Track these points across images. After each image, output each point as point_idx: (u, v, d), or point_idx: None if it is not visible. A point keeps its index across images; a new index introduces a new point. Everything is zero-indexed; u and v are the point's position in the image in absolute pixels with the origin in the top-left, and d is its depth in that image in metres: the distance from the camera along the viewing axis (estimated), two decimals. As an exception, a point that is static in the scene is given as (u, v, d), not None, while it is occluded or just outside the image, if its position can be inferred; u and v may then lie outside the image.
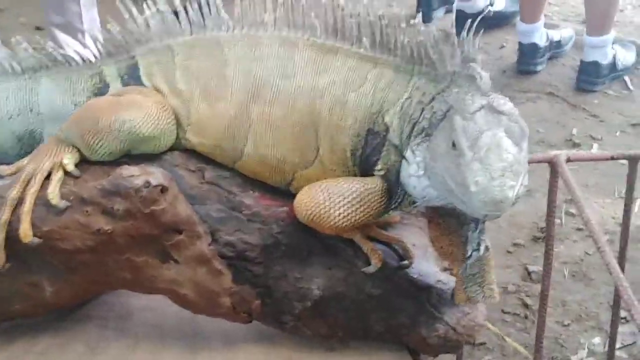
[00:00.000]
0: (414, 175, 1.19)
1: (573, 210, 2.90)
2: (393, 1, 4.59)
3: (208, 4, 1.35)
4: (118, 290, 1.46)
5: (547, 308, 1.89)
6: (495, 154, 1.05)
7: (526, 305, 2.72)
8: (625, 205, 1.85)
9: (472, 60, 1.19)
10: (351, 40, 1.29)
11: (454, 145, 1.09)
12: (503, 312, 2.50)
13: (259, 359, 1.40)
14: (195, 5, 1.36)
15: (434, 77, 1.23)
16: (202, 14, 1.36)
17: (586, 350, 2.55)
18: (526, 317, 2.71)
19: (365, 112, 1.26)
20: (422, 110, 1.21)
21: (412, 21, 1.24)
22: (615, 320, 1.99)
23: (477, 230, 1.20)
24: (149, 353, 1.42)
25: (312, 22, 1.30)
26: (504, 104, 1.13)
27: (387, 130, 1.25)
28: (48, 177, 1.28)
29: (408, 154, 1.20)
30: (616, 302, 1.92)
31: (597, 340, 2.60)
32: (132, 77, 1.38)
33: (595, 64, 3.68)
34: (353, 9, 1.29)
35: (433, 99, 1.20)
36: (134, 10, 1.38)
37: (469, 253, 1.21)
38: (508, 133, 1.09)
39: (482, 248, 1.21)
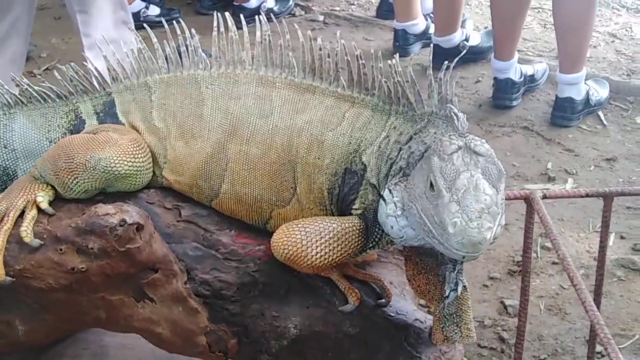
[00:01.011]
0: (392, 215, 1.18)
1: (548, 244, 2.90)
2: (370, 35, 4.65)
3: (185, 43, 1.35)
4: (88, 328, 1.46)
5: (523, 343, 1.89)
6: (472, 196, 1.06)
7: (502, 340, 2.71)
8: (601, 241, 1.86)
9: (449, 101, 1.19)
10: (329, 80, 1.29)
11: (431, 185, 1.09)
12: (479, 346, 2.49)
13: None
14: (173, 44, 1.36)
15: (412, 117, 1.23)
16: (179, 52, 1.36)
17: (562, 385, 2.55)
18: (502, 351, 2.70)
19: (342, 151, 1.26)
20: (400, 149, 1.21)
21: (389, 61, 1.24)
22: (591, 357, 1.99)
23: (455, 271, 1.20)
24: None
25: (290, 61, 1.30)
26: (481, 145, 1.13)
27: (364, 169, 1.24)
28: (21, 214, 1.27)
29: (385, 193, 1.20)
30: (592, 338, 1.92)
31: (573, 374, 2.60)
32: (108, 114, 1.37)
33: (570, 100, 3.72)
34: (330, 49, 1.29)
35: (410, 138, 1.20)
36: (110, 47, 1.39)
37: (447, 293, 1.21)
38: (485, 174, 1.09)
39: (459, 288, 1.21)
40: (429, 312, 1.38)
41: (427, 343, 1.33)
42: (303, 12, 4.80)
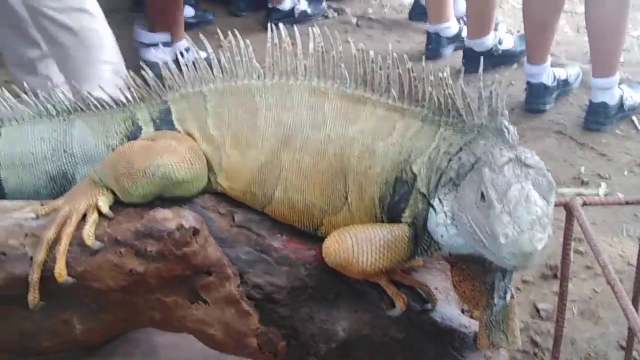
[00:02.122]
0: (442, 224, 1.19)
1: (582, 249, 2.90)
2: (402, 37, 4.64)
3: (240, 53, 1.36)
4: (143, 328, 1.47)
5: (560, 347, 1.91)
6: (524, 207, 1.07)
7: (535, 343, 2.72)
8: None
9: (500, 114, 1.20)
10: (380, 91, 1.30)
11: (482, 197, 1.10)
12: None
13: None
14: (228, 54, 1.37)
15: (461, 128, 1.24)
16: (234, 62, 1.37)
17: (595, 389, 2.55)
18: (535, 354, 2.71)
19: (393, 161, 1.27)
20: (450, 160, 1.21)
21: (441, 74, 1.26)
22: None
23: (505, 279, 1.21)
24: None
25: (342, 72, 1.31)
26: (531, 157, 1.14)
27: (414, 178, 1.25)
28: (83, 218, 1.29)
29: (436, 202, 1.21)
30: (629, 344, 1.92)
31: (605, 379, 2.61)
32: (164, 121, 1.39)
33: (603, 105, 3.69)
34: (382, 62, 1.31)
35: (460, 149, 1.21)
36: (168, 57, 1.41)
37: (496, 301, 1.21)
38: (536, 186, 1.10)
39: (508, 296, 1.22)
40: (471, 317, 1.38)
41: (472, 348, 1.34)
42: (336, 14, 4.78)
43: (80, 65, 3.16)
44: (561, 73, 4.04)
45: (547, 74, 3.85)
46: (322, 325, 1.33)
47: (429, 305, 1.35)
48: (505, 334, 1.25)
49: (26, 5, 3.08)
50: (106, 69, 3.11)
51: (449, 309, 1.38)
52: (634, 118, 3.90)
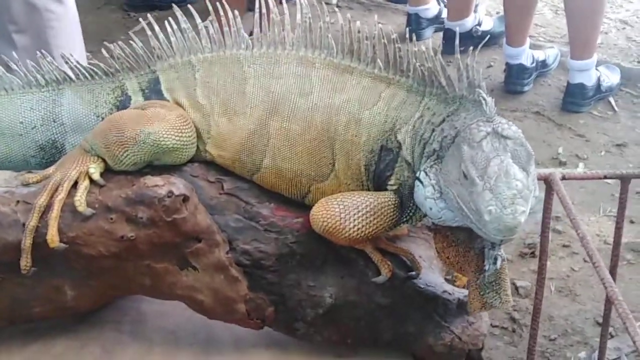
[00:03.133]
0: (430, 197, 1.20)
1: (559, 227, 2.94)
2: (382, 19, 4.64)
3: (228, 24, 1.37)
4: (133, 294, 1.48)
5: (539, 323, 1.94)
6: (504, 183, 1.09)
7: (514, 320, 2.76)
8: (617, 222, 1.89)
9: (478, 86, 1.21)
10: (366, 61, 1.31)
11: (464, 175, 1.12)
12: (491, 325, 2.54)
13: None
14: (216, 24, 1.37)
15: (444, 99, 1.25)
16: (222, 32, 1.37)
17: (572, 363, 2.59)
18: (514, 330, 2.75)
19: (378, 129, 1.28)
20: (433, 130, 1.23)
21: (422, 47, 1.28)
22: (604, 335, 2.03)
23: (494, 249, 1.22)
24: (163, 357, 1.44)
25: (329, 42, 1.32)
26: (508, 128, 1.16)
27: (399, 147, 1.27)
28: (74, 185, 1.30)
29: (422, 175, 1.22)
30: (606, 317, 1.96)
31: (582, 354, 2.65)
32: (153, 91, 1.39)
33: (581, 86, 3.73)
34: (368, 32, 1.32)
35: (443, 120, 1.22)
36: (156, 26, 1.40)
37: (487, 267, 1.23)
38: (515, 158, 1.12)
39: (499, 262, 1.23)
40: (454, 285, 1.42)
41: (455, 314, 1.36)
42: (316, -5, 4.77)
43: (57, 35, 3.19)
44: (540, 55, 4.07)
45: (526, 56, 3.88)
46: (309, 292, 1.34)
47: (414, 273, 1.36)
48: (498, 293, 1.27)
49: None
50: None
51: (433, 276, 1.39)
52: (611, 99, 3.93)
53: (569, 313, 2.81)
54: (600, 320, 2.63)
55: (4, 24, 3.32)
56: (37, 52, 1.50)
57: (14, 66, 1.45)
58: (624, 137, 3.74)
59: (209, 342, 1.46)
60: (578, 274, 2.96)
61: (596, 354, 2.10)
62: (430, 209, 1.21)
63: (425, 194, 1.21)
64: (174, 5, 1.49)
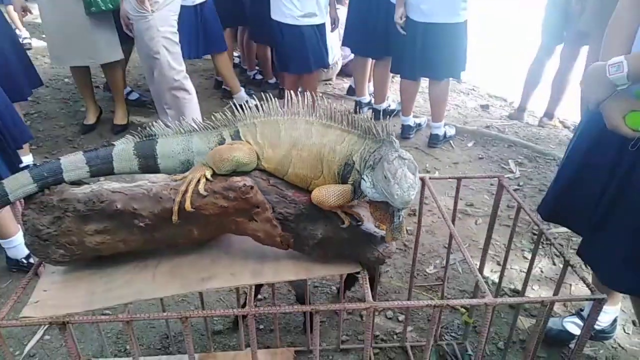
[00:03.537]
0: (368, 187, 1.22)
1: (426, 202, 2.96)
2: (344, 102, 4.66)
3: (270, 102, 1.37)
4: (226, 233, 1.46)
5: (417, 247, 1.95)
6: (404, 180, 1.13)
7: (405, 245, 2.81)
8: (455, 198, 1.90)
9: (391, 134, 1.25)
10: (338, 122, 1.33)
11: (385, 177, 1.15)
12: (397, 248, 2.59)
13: (290, 263, 1.43)
14: (265, 103, 1.38)
15: (375, 140, 1.27)
16: (269, 107, 1.38)
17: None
18: (405, 250, 2.79)
19: (344, 155, 1.30)
20: (369, 155, 1.25)
21: (366, 115, 1.30)
22: (448, 251, 2.07)
23: (399, 212, 1.24)
24: (241, 263, 1.44)
25: (321, 112, 1.34)
26: (405, 154, 1.19)
27: (354, 164, 1.28)
28: (198, 180, 1.32)
29: (364, 177, 1.23)
30: (449, 245, 2.00)
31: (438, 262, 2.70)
32: (236, 136, 1.38)
33: (436, 135, 3.82)
34: (338, 109, 1.35)
35: (374, 150, 1.24)
36: (238, 106, 1.41)
37: (395, 220, 1.24)
38: (409, 169, 1.15)
39: (401, 218, 1.26)
40: (378, 228, 1.39)
41: (380, 242, 1.38)
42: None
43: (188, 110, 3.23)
44: (417, 120, 4.13)
45: (411, 121, 3.93)
46: (310, 232, 1.36)
47: (360, 222, 1.38)
48: (400, 232, 1.28)
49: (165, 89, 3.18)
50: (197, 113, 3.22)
51: (369, 225, 1.39)
52: (451, 142, 4.02)
53: (430, 242, 2.86)
54: (446, 245, 2.69)
55: (161, 104, 3.35)
56: (179, 118, 1.49)
57: (170, 124, 1.44)
58: (458, 159, 3.80)
59: (263, 256, 1.46)
60: (436, 224, 3.00)
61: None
62: (369, 193, 1.24)
63: (366, 186, 1.23)
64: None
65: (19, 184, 1.27)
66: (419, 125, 4.01)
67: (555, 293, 1.64)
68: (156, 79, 3.30)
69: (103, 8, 3.57)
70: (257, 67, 5.12)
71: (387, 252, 1.39)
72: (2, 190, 1.29)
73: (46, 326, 2.39)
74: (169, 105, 3.34)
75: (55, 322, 1.25)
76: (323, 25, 3.55)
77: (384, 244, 1.38)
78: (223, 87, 4.59)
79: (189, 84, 3.35)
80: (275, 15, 3.45)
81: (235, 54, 5.34)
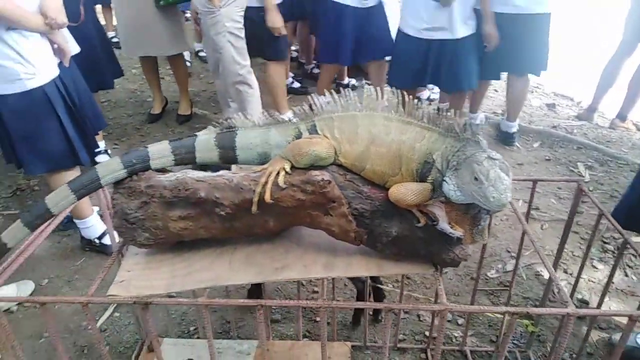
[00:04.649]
0: (452, 190, 1.18)
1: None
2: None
3: (347, 96, 1.36)
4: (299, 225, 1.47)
5: (484, 250, 1.89)
6: (499, 181, 1.08)
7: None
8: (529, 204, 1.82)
9: (477, 133, 1.20)
10: (419, 118, 1.29)
11: (476, 178, 1.11)
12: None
13: (362, 259, 1.42)
14: (344, 97, 1.36)
15: (458, 139, 1.23)
16: (346, 101, 1.36)
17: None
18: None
19: (424, 153, 1.26)
20: (452, 155, 1.20)
21: (449, 112, 1.26)
22: (518, 256, 1.99)
23: (486, 215, 1.21)
24: (313, 254, 1.45)
25: (400, 109, 1.31)
26: (495, 154, 1.14)
27: (434, 162, 1.25)
28: (278, 173, 1.33)
29: (447, 179, 1.19)
30: (520, 243, 1.92)
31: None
32: (313, 130, 1.38)
33: (512, 135, 3.69)
34: (420, 105, 1.32)
35: (458, 150, 1.20)
36: (316, 100, 1.39)
37: (482, 224, 1.21)
38: (502, 169, 1.10)
39: (486, 222, 1.23)
40: (453, 229, 1.36)
41: (455, 243, 1.35)
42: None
43: (251, 104, 3.28)
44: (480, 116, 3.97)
45: (480, 118, 3.77)
46: (384, 229, 1.34)
47: (435, 222, 1.35)
48: (482, 235, 1.24)
49: (229, 83, 3.25)
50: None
51: (444, 225, 1.36)
52: (517, 143, 3.86)
53: (492, 245, 2.78)
54: (509, 249, 2.58)
55: (225, 98, 3.43)
56: (242, 112, 1.49)
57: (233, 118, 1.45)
58: (523, 160, 3.68)
59: (334, 249, 1.46)
60: (499, 227, 2.91)
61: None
62: (452, 196, 1.19)
63: (449, 188, 1.19)
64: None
65: (110, 169, 1.33)
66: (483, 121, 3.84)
67: (640, 307, 1.54)
68: (221, 73, 3.39)
69: (170, 0, 3.71)
70: (314, 62, 5.15)
71: (464, 255, 1.35)
72: (94, 175, 1.36)
73: (116, 304, 2.53)
74: (232, 99, 3.42)
75: (139, 301, 1.31)
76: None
77: (460, 246, 1.34)
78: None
79: (252, 79, 3.41)
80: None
81: (293, 47, 5.37)
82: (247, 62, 3.39)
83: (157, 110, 4.51)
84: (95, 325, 1.42)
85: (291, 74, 4.82)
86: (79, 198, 1.38)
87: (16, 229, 1.34)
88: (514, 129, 3.57)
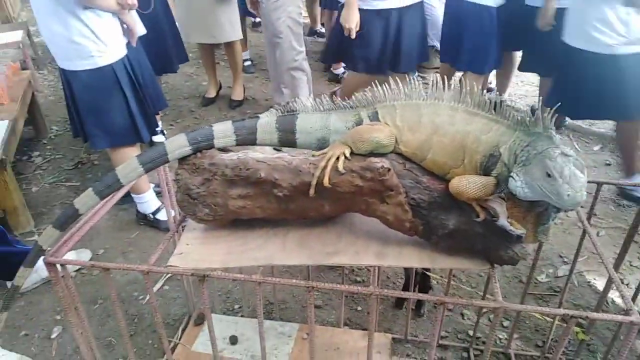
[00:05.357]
0: (520, 187, 1.13)
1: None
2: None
3: (412, 85, 1.33)
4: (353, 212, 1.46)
5: (539, 253, 1.82)
6: (575, 179, 1.03)
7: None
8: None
9: (549, 127, 1.14)
10: (486, 109, 1.26)
11: (548, 175, 1.06)
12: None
13: (414, 250, 1.41)
14: (408, 86, 1.33)
15: (527, 133, 1.18)
16: (410, 90, 1.34)
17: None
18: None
19: (489, 145, 1.23)
20: (521, 150, 1.16)
21: (515, 105, 1.22)
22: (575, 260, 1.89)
23: (555, 214, 1.16)
24: (364, 241, 1.44)
25: (467, 100, 1.28)
26: (570, 150, 1.09)
27: (500, 155, 1.21)
28: (337, 158, 1.33)
29: (514, 174, 1.14)
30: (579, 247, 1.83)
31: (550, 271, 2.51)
32: (374, 117, 1.37)
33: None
34: (486, 95, 1.27)
35: (527, 145, 1.15)
36: (378, 87, 1.37)
37: (549, 222, 1.17)
38: (577, 167, 1.06)
39: (552, 221, 1.18)
40: (511, 225, 1.31)
41: (515, 241, 1.30)
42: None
43: (303, 90, 3.28)
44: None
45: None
46: (441, 221, 1.32)
47: (494, 218, 1.31)
48: (546, 235, 1.20)
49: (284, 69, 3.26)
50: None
51: (504, 221, 1.33)
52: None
53: (544, 249, 2.67)
54: (561, 253, 2.47)
55: (278, 83, 3.46)
56: (293, 98, 1.50)
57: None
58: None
59: (386, 238, 1.45)
60: (552, 230, 2.79)
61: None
62: (520, 193, 1.14)
63: (517, 184, 1.14)
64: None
65: (177, 145, 1.37)
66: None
67: None
68: (278, 58, 3.41)
69: (227, -12, 3.77)
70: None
71: (523, 253, 1.31)
72: (162, 150, 1.41)
73: (166, 277, 2.63)
74: (285, 85, 3.44)
75: (197, 274, 1.36)
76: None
77: (521, 244, 1.30)
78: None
79: (306, 65, 3.42)
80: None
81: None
82: (303, 48, 3.40)
83: (211, 94, 4.62)
84: (153, 293, 1.48)
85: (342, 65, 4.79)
86: (147, 171, 1.43)
87: (87, 196, 1.41)
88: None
